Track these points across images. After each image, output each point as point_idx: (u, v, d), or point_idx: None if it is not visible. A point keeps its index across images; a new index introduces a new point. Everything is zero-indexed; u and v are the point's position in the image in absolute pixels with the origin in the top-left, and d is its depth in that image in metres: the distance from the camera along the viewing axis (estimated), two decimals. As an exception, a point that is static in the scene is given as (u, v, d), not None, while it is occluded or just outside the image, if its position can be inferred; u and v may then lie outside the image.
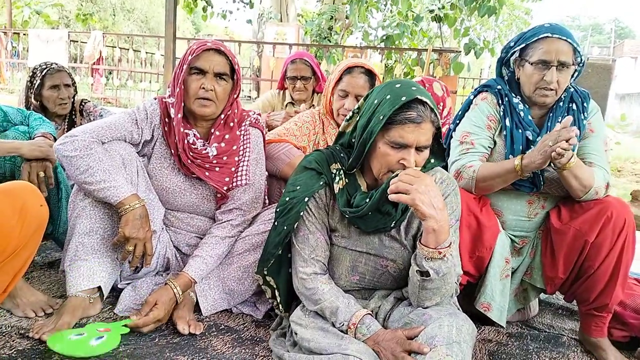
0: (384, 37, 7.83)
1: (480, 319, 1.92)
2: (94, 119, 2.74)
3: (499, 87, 1.88)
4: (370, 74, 2.17)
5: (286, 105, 3.14)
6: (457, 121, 1.96)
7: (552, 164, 1.65)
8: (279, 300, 1.61)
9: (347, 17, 7.99)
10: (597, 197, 1.73)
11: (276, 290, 1.60)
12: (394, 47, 7.06)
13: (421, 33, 8.68)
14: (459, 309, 1.55)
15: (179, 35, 5.08)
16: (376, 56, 7.72)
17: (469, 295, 1.95)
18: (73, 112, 2.74)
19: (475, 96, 1.96)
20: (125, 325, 1.55)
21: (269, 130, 2.37)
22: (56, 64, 2.69)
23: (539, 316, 2.08)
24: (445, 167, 1.89)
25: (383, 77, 7.93)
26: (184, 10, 12.83)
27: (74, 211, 1.68)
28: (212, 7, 12.21)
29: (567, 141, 1.55)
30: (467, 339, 1.26)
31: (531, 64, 1.76)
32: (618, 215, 1.67)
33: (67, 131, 2.63)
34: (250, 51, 8.04)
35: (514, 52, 1.83)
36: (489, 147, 1.86)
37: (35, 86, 2.60)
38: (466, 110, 1.95)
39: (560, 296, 2.16)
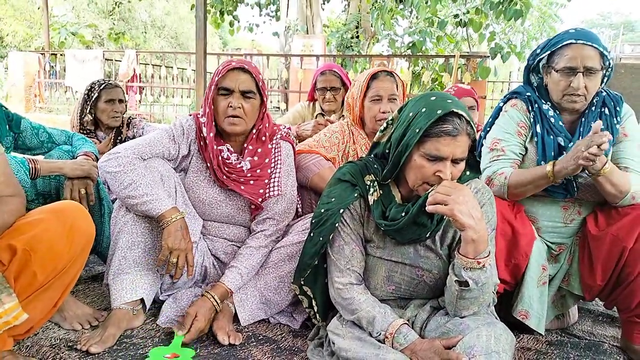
0: (410, 44, 7.84)
1: (518, 327, 1.90)
2: (137, 132, 2.92)
3: (528, 93, 1.88)
4: (393, 76, 2.24)
5: (316, 117, 3.19)
6: (488, 128, 1.96)
7: (586, 170, 1.63)
8: (315, 310, 1.64)
9: (372, 26, 8.02)
10: (635, 202, 1.70)
11: (313, 300, 1.63)
12: (419, 54, 7.05)
13: (447, 38, 8.65)
14: (496, 318, 1.55)
15: (208, 51, 5.21)
16: (403, 63, 7.72)
17: (505, 304, 1.93)
18: (121, 125, 2.89)
19: (504, 103, 1.95)
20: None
21: (299, 141, 2.41)
22: (113, 81, 2.91)
23: (578, 323, 2.04)
24: None
25: (411, 84, 7.92)
26: (211, 25, 13.14)
27: (116, 226, 1.76)
28: (238, 22, 12.44)
29: (598, 146, 1.53)
30: (506, 348, 1.26)
31: (557, 71, 1.75)
32: None
33: (113, 140, 2.80)
34: (277, 63, 8.15)
35: (541, 58, 1.83)
36: (520, 153, 1.85)
37: (93, 99, 2.81)
38: (496, 117, 1.95)
39: (600, 302, 2.12)
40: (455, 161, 1.37)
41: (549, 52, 1.79)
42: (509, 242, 1.78)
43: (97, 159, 1.98)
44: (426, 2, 7.74)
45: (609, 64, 1.75)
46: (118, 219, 1.76)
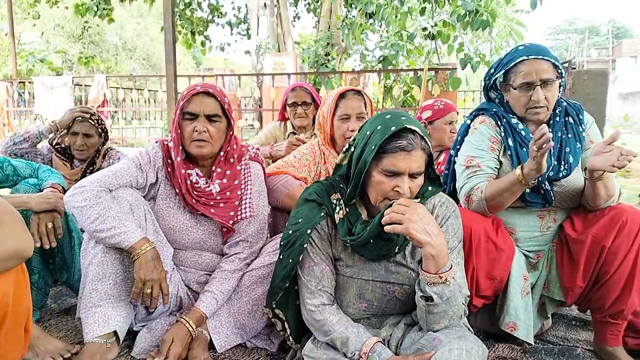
0: (381, 58, 7.95)
1: (496, 337, 1.93)
2: (112, 164, 2.82)
3: (494, 109, 1.92)
4: (361, 94, 2.27)
5: (288, 135, 3.20)
6: (457, 146, 1.99)
7: (589, 176, 1.68)
8: (289, 333, 1.64)
9: (342, 41, 8.12)
10: (613, 204, 1.75)
11: (286, 323, 1.63)
12: (390, 68, 7.16)
13: (417, 51, 8.80)
14: (469, 329, 1.57)
15: (180, 72, 5.21)
16: (375, 77, 7.82)
17: (488, 315, 1.95)
18: (96, 155, 2.83)
19: (472, 120, 1.98)
20: None
21: (273, 162, 2.42)
22: (88, 114, 2.79)
23: (552, 329, 2.07)
24: (453, 196, 1.92)
25: (383, 98, 8.01)
26: (182, 46, 13.13)
27: (85, 259, 1.73)
28: (210, 42, 12.47)
29: (542, 145, 1.54)
30: (477, 361, 1.28)
31: (515, 88, 1.81)
32: (632, 220, 1.69)
33: (84, 170, 2.74)
34: (250, 82, 8.17)
35: (496, 77, 1.88)
36: (495, 167, 1.86)
37: (68, 128, 2.76)
38: (464, 134, 1.97)
39: (573, 307, 2.16)
40: (412, 176, 1.40)
41: (502, 71, 1.84)
42: (492, 259, 1.79)
43: (65, 190, 1.95)
44: (396, 16, 7.89)
45: (562, 73, 1.81)
46: (87, 251, 1.73)
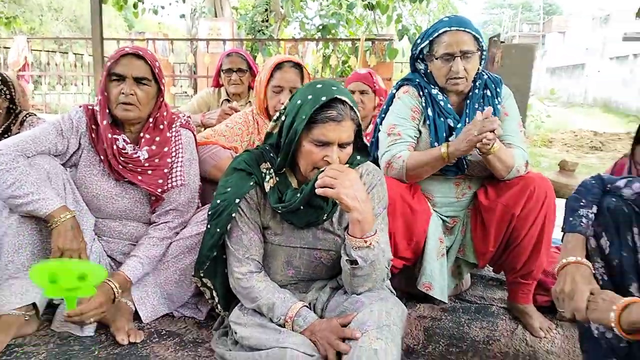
0: (320, 27, 7.89)
1: (418, 298, 2.03)
2: None
3: (417, 80, 1.98)
4: (299, 67, 2.22)
5: (222, 103, 3.12)
6: (383, 115, 2.04)
7: (477, 150, 1.75)
8: (217, 301, 1.64)
9: (282, 7, 7.96)
10: (519, 174, 1.85)
11: (214, 291, 1.63)
12: (328, 37, 7.12)
13: (356, 21, 8.79)
14: (392, 291, 1.64)
15: (109, 35, 4.91)
16: (314, 46, 7.76)
17: (409, 277, 2.05)
18: (12, 122, 2.60)
19: (397, 90, 2.03)
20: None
21: (205, 130, 2.36)
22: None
23: (471, 289, 2.21)
24: (376, 162, 1.97)
25: (322, 67, 7.98)
26: (113, 7, 12.36)
27: (0, 229, 1.64)
28: (143, 3, 11.83)
29: (492, 131, 1.65)
30: (396, 321, 1.34)
31: (437, 58, 1.86)
32: (540, 189, 1.80)
33: None
34: (185, 47, 7.89)
35: (422, 48, 1.92)
36: (415, 136, 1.94)
37: None
38: (390, 104, 2.02)
39: (490, 268, 2.30)
40: (342, 145, 1.42)
41: (428, 41, 1.88)
42: (409, 221, 1.88)
43: None
44: (335, -15, 7.81)
45: (483, 45, 1.87)
46: (1, 221, 1.64)
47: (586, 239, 1.38)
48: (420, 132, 1.95)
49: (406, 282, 2.10)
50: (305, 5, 9.11)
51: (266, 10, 7.84)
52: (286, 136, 1.46)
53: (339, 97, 1.39)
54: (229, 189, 1.51)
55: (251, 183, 1.51)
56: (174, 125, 1.88)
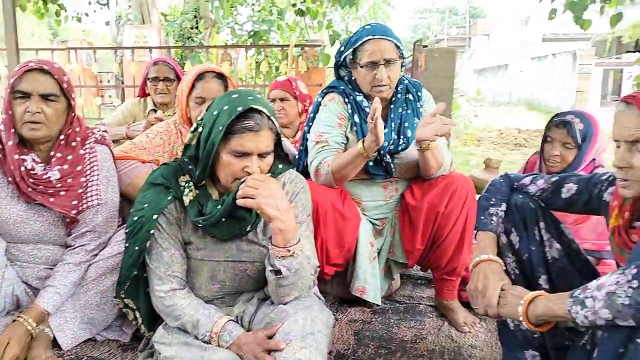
0: (252, 33, 7.84)
1: (353, 302, 2.05)
2: None
3: (342, 87, 2.00)
4: (222, 77, 2.18)
5: (148, 113, 3.03)
6: (310, 123, 2.05)
7: (418, 146, 1.80)
8: (140, 322, 1.59)
9: (211, 12, 7.83)
10: (445, 172, 1.92)
11: (137, 312, 1.58)
12: (257, 44, 7.10)
13: (288, 27, 8.82)
14: (320, 298, 1.65)
15: (32, 45, 4.62)
16: (247, 52, 7.68)
17: (342, 282, 2.07)
18: None
19: (322, 97, 2.05)
20: None
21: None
22: None
23: (400, 289, 2.26)
24: (305, 173, 1.97)
25: (255, 73, 7.93)
26: (34, 16, 11.70)
27: None
28: (65, 11, 11.27)
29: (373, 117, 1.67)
30: (321, 328, 1.35)
31: (362, 66, 1.90)
32: (462, 188, 1.88)
33: None
34: (111, 56, 7.58)
35: (346, 55, 1.96)
36: (342, 143, 1.96)
37: None
38: (316, 112, 2.04)
39: (419, 268, 2.36)
40: (261, 155, 1.41)
41: (351, 49, 1.92)
42: (340, 228, 1.89)
43: None
44: (265, -10, 7.77)
45: (403, 53, 1.93)
46: None
47: (498, 235, 1.46)
48: (347, 138, 1.98)
49: (339, 287, 2.12)
50: (236, 12, 9.04)
51: (195, 16, 7.71)
52: (204, 148, 1.43)
53: (255, 106, 1.38)
54: (145, 205, 1.46)
55: (169, 197, 1.47)
56: (88, 142, 1.79)
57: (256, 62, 7.40)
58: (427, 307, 2.07)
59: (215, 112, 1.41)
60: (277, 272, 1.40)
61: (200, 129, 1.48)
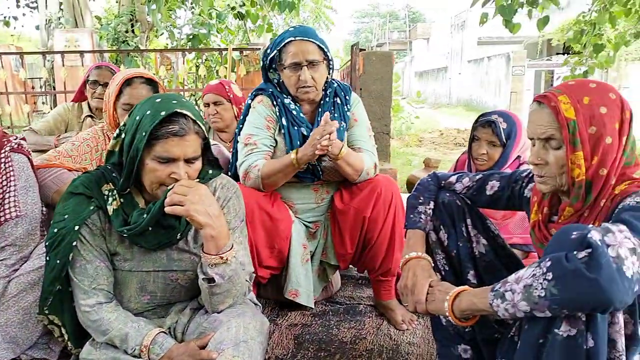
0: (191, 37, 7.69)
1: (292, 305, 2.04)
2: None
3: (270, 90, 2.00)
4: (151, 83, 2.12)
5: (84, 119, 2.90)
6: (241, 125, 2.03)
7: (327, 155, 1.81)
8: (67, 338, 1.51)
9: (148, 14, 7.62)
10: (369, 177, 1.94)
11: (63, 328, 1.50)
12: (195, 48, 6.98)
13: (228, 31, 8.72)
14: (256, 304, 1.63)
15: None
16: (188, 56, 7.53)
17: (279, 286, 2.05)
18: None
19: (252, 100, 2.04)
20: None
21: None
22: None
23: (341, 290, 2.28)
24: (235, 177, 1.95)
25: (196, 77, 7.77)
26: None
27: None
28: (-9, 14, 10.68)
29: (330, 135, 1.72)
30: (254, 335, 1.32)
31: (286, 67, 1.90)
32: (386, 191, 1.91)
33: None
34: (41, 61, 7.21)
35: (272, 57, 1.95)
36: (271, 145, 1.96)
37: None
38: (246, 114, 2.02)
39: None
40: (189, 161, 1.37)
41: (275, 51, 1.91)
42: (269, 230, 1.88)
43: None
44: (204, -7, 7.64)
45: (329, 55, 1.94)
46: None
47: (427, 233, 1.49)
48: (276, 141, 1.97)
49: (276, 291, 2.11)
50: (175, 15, 8.85)
51: (131, 19, 7.47)
52: (127, 154, 1.38)
53: (179, 110, 1.34)
54: (66, 216, 1.39)
55: (91, 207, 1.40)
56: (3, 151, 1.69)
57: (196, 66, 7.26)
58: (367, 307, 2.09)
59: (137, 118, 1.36)
60: (210, 280, 1.37)
61: (123, 135, 1.43)
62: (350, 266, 2.19)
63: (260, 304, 1.66)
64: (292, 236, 1.96)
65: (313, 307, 1.99)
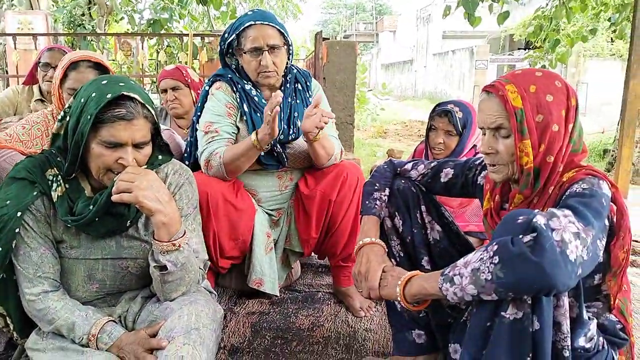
0: (152, 22, 7.49)
1: (251, 294, 2.02)
2: None
3: (229, 75, 1.95)
4: (99, 67, 2.04)
5: (35, 102, 2.78)
6: (199, 113, 1.98)
7: (305, 138, 1.79)
8: (12, 328, 1.45)
9: (107, 0, 7.37)
10: (336, 162, 1.94)
11: (8, 318, 1.44)
12: (155, 33, 6.79)
13: (190, 16, 8.53)
14: (211, 292, 1.60)
15: None
16: (150, 41, 7.33)
17: (239, 276, 2.03)
18: None
19: (210, 86, 1.99)
20: None
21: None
22: None
23: (301, 278, 2.27)
24: (195, 165, 1.91)
25: (157, 63, 7.57)
26: None
27: None
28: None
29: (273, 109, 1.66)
30: (206, 323, 1.30)
31: (246, 52, 1.86)
32: (352, 176, 1.91)
33: None
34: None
35: (231, 42, 1.91)
36: (233, 132, 1.91)
37: None
38: (204, 101, 1.97)
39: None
40: (137, 146, 1.32)
41: (234, 35, 1.87)
42: (233, 220, 1.85)
43: None
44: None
45: (289, 40, 1.92)
46: None
47: (383, 220, 1.49)
48: (238, 128, 1.94)
49: (237, 280, 2.09)
50: (135, -1, 8.60)
51: (89, 2, 7.18)
52: (72, 138, 1.32)
53: (127, 93, 1.29)
54: (8, 202, 1.32)
55: (34, 193, 1.34)
56: None
57: (157, 52, 7.07)
58: (326, 294, 2.10)
59: (82, 100, 1.30)
60: (162, 267, 1.34)
61: (67, 118, 1.37)
62: (312, 254, 2.18)
63: (215, 293, 1.64)
64: (255, 225, 1.94)
65: (277, 295, 1.98)
